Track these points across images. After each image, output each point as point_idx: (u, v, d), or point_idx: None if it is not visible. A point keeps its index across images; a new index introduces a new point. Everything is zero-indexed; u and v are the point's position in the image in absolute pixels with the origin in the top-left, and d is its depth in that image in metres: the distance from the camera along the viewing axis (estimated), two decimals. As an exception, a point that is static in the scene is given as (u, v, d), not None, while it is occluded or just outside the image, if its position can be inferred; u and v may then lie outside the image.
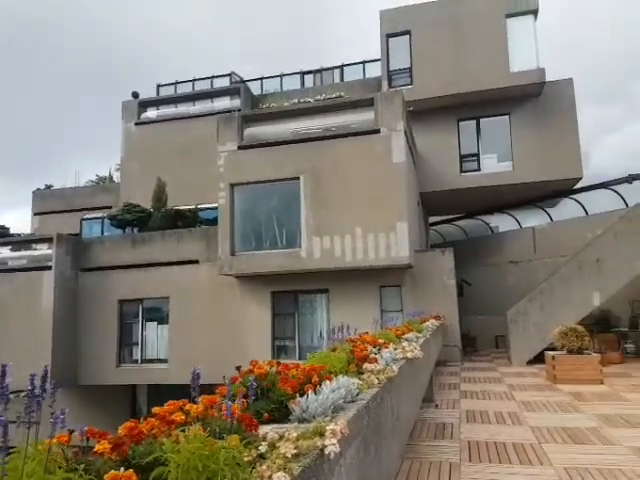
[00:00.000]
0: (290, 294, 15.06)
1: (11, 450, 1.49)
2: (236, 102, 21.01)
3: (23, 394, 1.62)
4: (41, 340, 15.29)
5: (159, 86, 23.68)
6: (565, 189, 17.94)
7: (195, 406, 2.18)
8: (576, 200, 18.14)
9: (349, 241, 13.48)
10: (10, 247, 17.38)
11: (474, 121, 17.95)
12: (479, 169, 17.66)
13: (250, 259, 14.32)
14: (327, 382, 2.80)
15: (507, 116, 17.54)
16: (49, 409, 1.64)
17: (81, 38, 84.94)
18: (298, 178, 14.10)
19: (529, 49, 16.68)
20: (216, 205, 15.04)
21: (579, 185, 17.67)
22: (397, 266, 13.53)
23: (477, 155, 17.78)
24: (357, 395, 2.93)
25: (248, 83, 22.77)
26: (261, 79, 23.29)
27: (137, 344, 16.32)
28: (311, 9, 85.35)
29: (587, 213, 17.66)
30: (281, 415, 2.49)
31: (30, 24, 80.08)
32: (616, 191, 16.97)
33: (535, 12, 17.00)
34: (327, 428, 2.01)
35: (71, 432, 1.79)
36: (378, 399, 3.22)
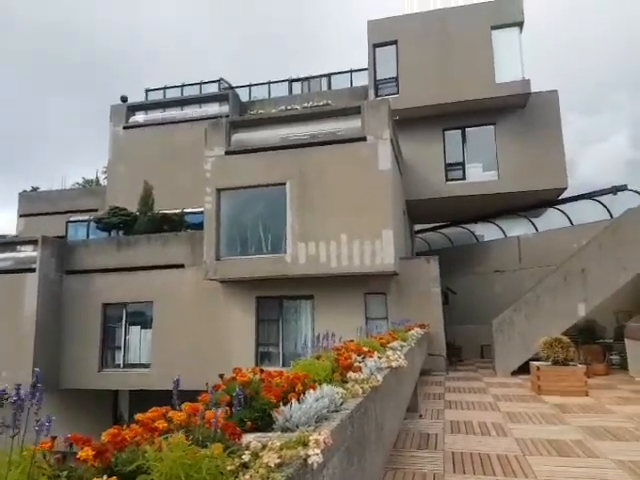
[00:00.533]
0: (275, 300, 15.03)
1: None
2: (224, 108, 21.04)
3: (6, 398, 1.61)
4: (23, 343, 15.06)
5: (147, 91, 23.63)
6: (550, 199, 18.22)
7: (178, 414, 2.18)
8: (561, 210, 18.42)
9: (334, 247, 13.51)
10: (-7, 249, 17.12)
11: (460, 131, 18.17)
12: (464, 178, 17.85)
13: (235, 264, 14.28)
14: (311, 391, 2.81)
15: (492, 126, 17.78)
16: (33, 412, 1.63)
17: (70, 41, 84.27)
18: (284, 184, 14.13)
19: (514, 60, 16.97)
20: (202, 209, 15.00)
21: (564, 195, 17.95)
22: (382, 273, 13.58)
23: (462, 164, 17.98)
24: (341, 405, 2.94)
25: (236, 90, 22.83)
26: (249, 86, 23.37)
27: (120, 348, 16.13)
28: (300, 19, 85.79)
29: (572, 223, 17.93)
30: (264, 424, 2.49)
31: (17, 24, 79.27)
32: (601, 202, 17.29)
33: (520, 24, 17.31)
34: (310, 438, 2.02)
35: (54, 438, 1.78)
36: (362, 409, 3.24)
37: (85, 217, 20.27)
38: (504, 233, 20.09)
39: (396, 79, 18.10)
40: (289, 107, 19.88)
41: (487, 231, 21.03)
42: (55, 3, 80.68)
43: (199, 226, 15.79)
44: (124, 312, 16.21)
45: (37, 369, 1.73)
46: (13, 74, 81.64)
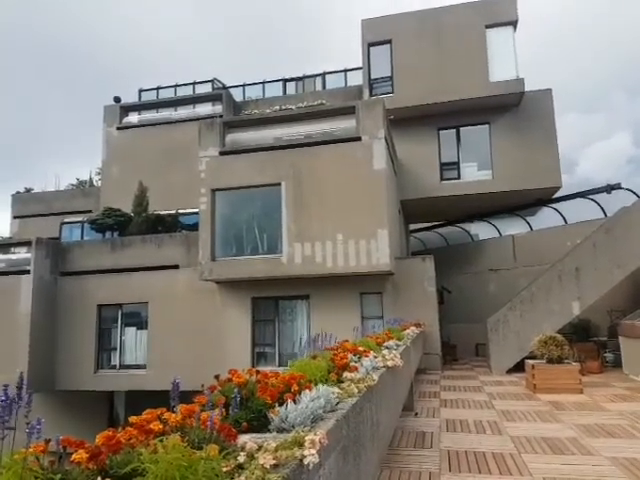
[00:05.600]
0: (271, 300, 15.02)
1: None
2: (218, 108, 21.01)
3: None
4: (18, 344, 14.99)
5: (141, 91, 23.55)
6: (545, 198, 18.29)
7: (173, 415, 2.18)
8: (555, 209, 18.50)
9: (330, 247, 13.52)
10: (-13, 251, 17.03)
11: (454, 130, 18.21)
12: (459, 177, 17.90)
13: (231, 264, 14.26)
14: (307, 391, 2.81)
15: (487, 125, 17.83)
16: (24, 413, 1.62)
17: (62, 40, 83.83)
18: (279, 184, 14.12)
19: (508, 59, 17.03)
20: (197, 210, 14.95)
21: (560, 194, 18.03)
22: (378, 273, 13.60)
23: (457, 163, 18.02)
24: (337, 404, 2.94)
25: (230, 90, 22.78)
26: (243, 86, 23.34)
27: (115, 349, 16.08)
28: (294, 17, 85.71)
29: (566, 222, 18.01)
30: (260, 424, 2.48)
31: (10, 24, 78.75)
32: (595, 200, 17.36)
33: (514, 23, 17.37)
34: (306, 438, 2.02)
35: (47, 441, 1.77)
36: (358, 409, 3.24)
37: (79, 218, 20.18)
38: (499, 232, 20.16)
39: (391, 78, 18.12)
40: (283, 107, 19.93)
41: (482, 230, 21.10)
42: (53, 4, 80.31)
43: (194, 227, 15.77)
44: (119, 313, 16.15)
45: (20, 371, 1.72)
46: (3, 72, 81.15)
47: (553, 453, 6.03)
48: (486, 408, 8.97)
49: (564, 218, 18.14)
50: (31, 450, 1.63)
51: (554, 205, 18.59)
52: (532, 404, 9.19)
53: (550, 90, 17.59)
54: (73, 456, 1.72)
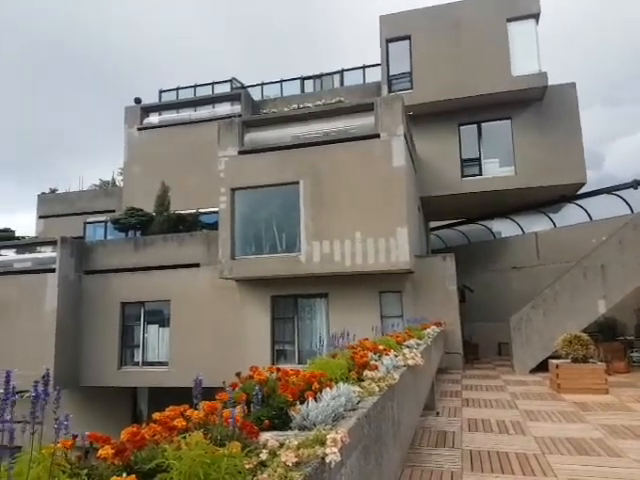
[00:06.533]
0: (290, 298, 15.06)
1: (16, 455, 1.51)
2: (237, 108, 21.12)
3: (27, 395, 1.64)
4: (44, 342, 15.32)
5: (161, 92, 23.83)
6: (569, 194, 17.93)
7: (196, 412, 2.20)
8: (580, 205, 18.11)
9: (349, 246, 13.47)
10: (15, 250, 17.51)
11: (475, 125, 17.98)
12: (480, 174, 17.67)
13: (250, 263, 14.34)
14: (327, 389, 2.80)
15: (509, 120, 17.55)
16: (52, 409, 1.66)
17: (85, 40, 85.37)
18: (298, 182, 14.13)
19: (531, 53, 16.72)
20: (217, 209, 15.08)
21: (585, 189, 17.65)
22: (397, 271, 13.51)
23: (478, 160, 17.79)
24: (358, 403, 2.93)
25: (249, 89, 22.90)
26: (261, 85, 23.41)
27: (138, 346, 16.35)
28: (311, 15, 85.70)
29: (591, 219, 17.61)
30: (281, 422, 2.49)
31: (39, 28, 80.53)
32: (621, 196, 16.94)
33: (536, 16, 17.04)
34: (328, 436, 2.02)
35: (75, 437, 1.81)
36: (379, 407, 3.22)
37: (102, 218, 20.55)
38: (521, 229, 19.83)
39: (410, 74, 17.97)
40: (301, 105, 19.93)
41: (504, 227, 20.78)
42: (73, 3, 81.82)
43: (214, 226, 15.90)
44: (142, 311, 16.40)
45: (50, 368, 1.76)
46: (29, 74, 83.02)
47: (578, 454, 5.91)
48: (509, 408, 8.85)
49: (589, 215, 17.74)
50: (59, 445, 1.67)
51: (578, 201, 18.21)
52: (556, 404, 9.04)
53: (574, 84, 17.22)
54: (99, 452, 1.75)
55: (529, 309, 13.36)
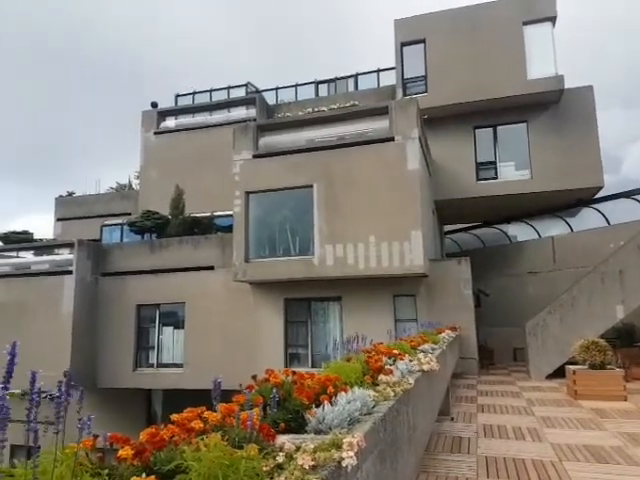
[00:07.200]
0: (303, 301, 15.08)
1: (38, 454, 1.54)
2: (252, 112, 21.25)
3: (43, 395, 1.67)
4: (61, 343, 15.53)
5: (177, 96, 24.10)
6: (586, 198, 17.70)
7: (214, 414, 2.22)
8: (597, 209, 17.87)
9: (362, 249, 13.45)
10: (33, 252, 17.82)
11: (491, 129, 17.86)
12: (496, 177, 17.54)
13: (264, 266, 14.40)
14: (343, 393, 2.80)
15: (525, 124, 17.41)
16: (73, 410, 1.69)
17: (101, 43, 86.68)
18: (312, 186, 14.16)
19: (547, 56, 16.60)
20: (231, 212, 15.18)
21: (602, 193, 17.42)
22: (411, 275, 13.45)
23: (494, 163, 17.67)
24: (373, 407, 2.93)
25: (263, 93, 23.05)
26: (276, 89, 23.54)
27: (153, 348, 16.49)
28: (326, 19, 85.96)
29: (609, 223, 17.36)
30: (297, 425, 2.50)
31: (56, 30, 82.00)
32: (639, 200, 16.68)
33: (553, 19, 16.91)
34: (344, 440, 2.02)
35: (96, 437, 1.84)
36: (394, 412, 3.22)
37: (119, 221, 20.80)
38: (538, 233, 19.61)
39: (424, 77, 17.94)
40: (316, 109, 20.00)
41: (520, 231, 20.57)
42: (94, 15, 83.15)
43: (228, 229, 16.01)
44: (157, 313, 16.55)
45: (68, 369, 1.79)
46: (44, 76, 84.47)
47: (597, 462, 5.82)
48: (525, 414, 8.74)
49: (607, 219, 17.48)
50: (81, 445, 1.70)
51: (596, 205, 17.96)
52: (573, 411, 8.91)
53: (591, 87, 17.03)
54: (119, 452, 1.78)
55: (546, 314, 13.19)
